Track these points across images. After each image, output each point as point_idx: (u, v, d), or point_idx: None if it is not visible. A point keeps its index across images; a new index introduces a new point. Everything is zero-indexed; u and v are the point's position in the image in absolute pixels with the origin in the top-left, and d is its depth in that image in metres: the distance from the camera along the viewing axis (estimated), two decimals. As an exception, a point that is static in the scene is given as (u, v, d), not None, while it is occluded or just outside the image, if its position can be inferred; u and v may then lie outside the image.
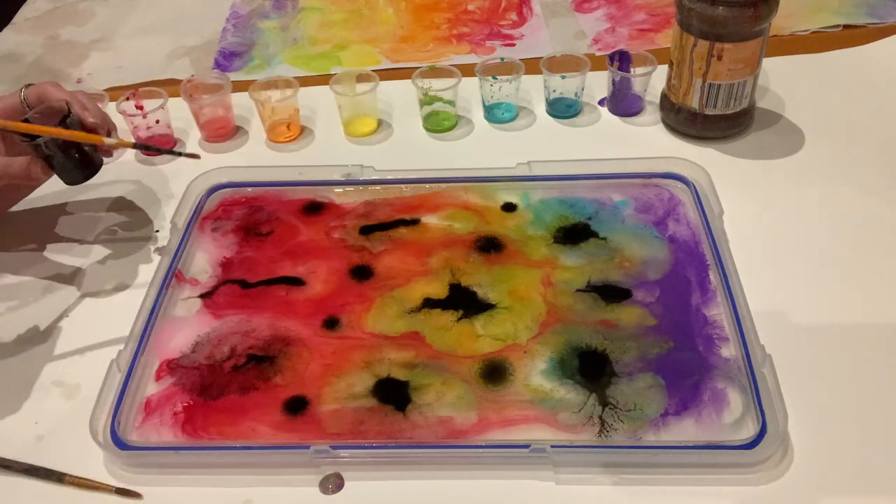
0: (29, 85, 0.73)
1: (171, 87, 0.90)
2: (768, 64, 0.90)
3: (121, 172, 0.77)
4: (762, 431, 0.56)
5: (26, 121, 0.69)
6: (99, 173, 0.73)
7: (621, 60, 0.87)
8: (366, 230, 0.75)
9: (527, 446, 0.56)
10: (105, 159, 0.74)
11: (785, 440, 0.57)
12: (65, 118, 0.69)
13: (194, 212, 0.78)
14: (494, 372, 0.63)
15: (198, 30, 1.09)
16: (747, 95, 0.81)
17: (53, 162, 0.69)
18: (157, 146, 0.78)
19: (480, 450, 0.58)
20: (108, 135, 0.72)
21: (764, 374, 0.59)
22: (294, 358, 0.65)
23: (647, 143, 0.85)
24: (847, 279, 0.69)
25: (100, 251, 0.76)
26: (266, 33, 1.08)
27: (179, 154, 0.71)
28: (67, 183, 0.72)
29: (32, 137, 0.67)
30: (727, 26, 0.75)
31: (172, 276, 0.71)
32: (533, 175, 0.79)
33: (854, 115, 0.86)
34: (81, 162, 0.70)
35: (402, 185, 0.80)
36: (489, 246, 0.73)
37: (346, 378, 0.63)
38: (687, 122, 0.84)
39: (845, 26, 1.00)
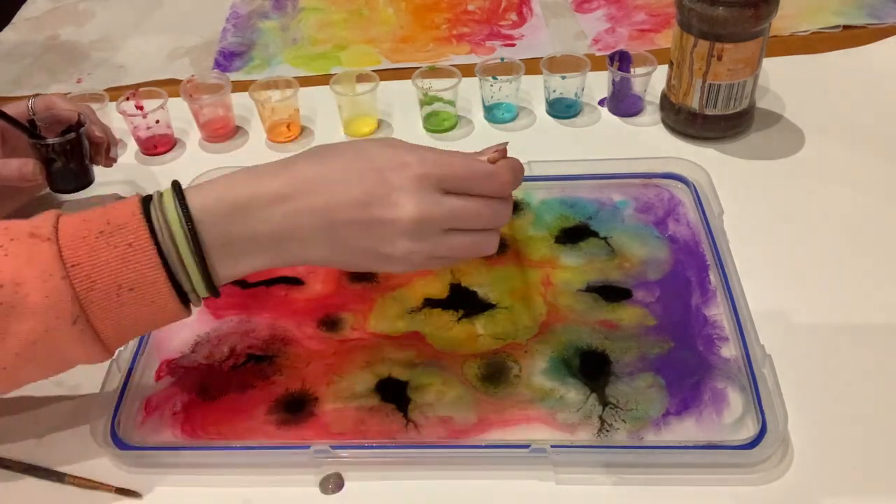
0: (37, 95, 0.74)
1: (171, 87, 0.90)
2: (768, 64, 0.90)
3: (121, 172, 0.77)
4: (762, 431, 0.56)
5: (32, 122, 0.70)
6: (99, 173, 0.73)
7: (621, 60, 0.87)
8: (366, 230, 0.75)
9: (527, 446, 0.56)
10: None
11: (785, 440, 0.57)
12: (73, 128, 0.70)
13: (194, 212, 0.77)
14: (495, 372, 0.62)
15: (198, 30, 1.09)
16: (747, 96, 0.81)
17: (52, 166, 0.69)
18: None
19: (480, 450, 0.58)
20: (109, 149, 0.74)
21: (764, 374, 0.59)
22: (293, 358, 0.64)
23: (647, 143, 0.85)
24: (847, 279, 0.68)
25: (100, 251, 0.76)
26: (266, 33, 1.08)
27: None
28: (57, 190, 0.73)
29: (43, 138, 0.68)
30: (727, 26, 0.75)
31: (172, 275, 0.71)
32: (533, 175, 0.79)
33: (854, 115, 0.86)
34: (79, 172, 0.71)
35: (402, 185, 0.80)
36: (489, 246, 0.73)
37: (347, 378, 0.63)
38: (687, 122, 0.83)
39: (845, 27, 1.00)
